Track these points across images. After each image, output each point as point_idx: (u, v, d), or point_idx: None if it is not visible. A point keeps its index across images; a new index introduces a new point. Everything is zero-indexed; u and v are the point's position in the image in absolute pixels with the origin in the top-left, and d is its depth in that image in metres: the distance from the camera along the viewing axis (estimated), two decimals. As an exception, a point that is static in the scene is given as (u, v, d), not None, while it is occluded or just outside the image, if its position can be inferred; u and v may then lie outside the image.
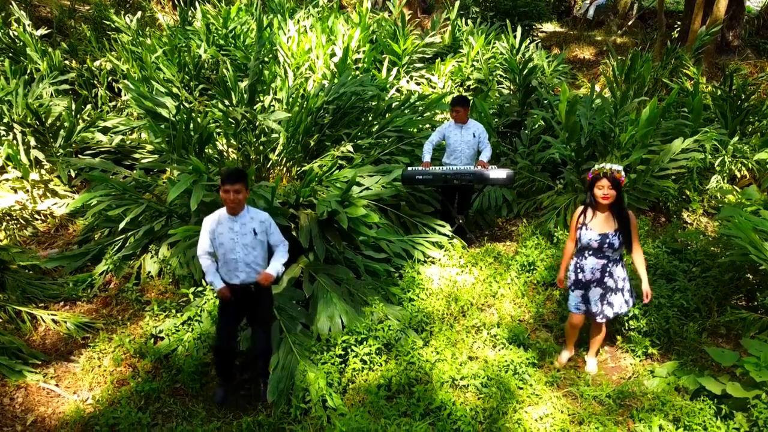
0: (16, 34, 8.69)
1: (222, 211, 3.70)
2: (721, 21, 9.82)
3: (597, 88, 9.30)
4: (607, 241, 3.78)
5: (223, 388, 4.01)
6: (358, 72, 8.57)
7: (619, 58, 8.89)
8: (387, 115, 6.77)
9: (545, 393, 3.91)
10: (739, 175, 6.60)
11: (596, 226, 3.81)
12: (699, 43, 8.87)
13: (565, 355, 4.34)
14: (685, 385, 3.84)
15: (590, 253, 3.88)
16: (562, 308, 4.85)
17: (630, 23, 15.80)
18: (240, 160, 6.21)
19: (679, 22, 13.94)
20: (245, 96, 6.58)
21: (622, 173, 3.79)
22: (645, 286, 3.92)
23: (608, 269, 3.88)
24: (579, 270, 3.96)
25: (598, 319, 4.03)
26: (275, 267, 3.72)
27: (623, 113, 6.65)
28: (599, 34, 15.54)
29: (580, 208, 3.93)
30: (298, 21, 9.96)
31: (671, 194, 6.19)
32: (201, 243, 3.74)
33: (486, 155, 5.86)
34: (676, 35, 12.88)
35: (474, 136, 5.87)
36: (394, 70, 9.29)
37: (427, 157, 5.84)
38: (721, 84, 7.92)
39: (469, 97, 9.13)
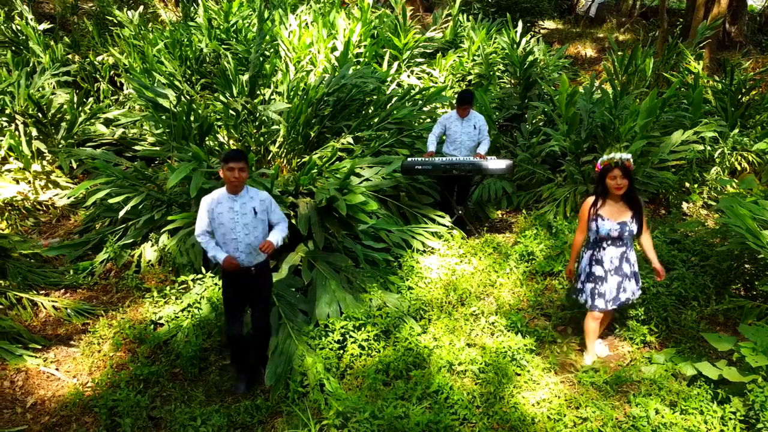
0: (18, 27, 8.74)
1: (221, 191, 3.65)
2: (722, 16, 9.81)
3: (597, 82, 9.28)
4: (627, 228, 3.73)
5: (245, 377, 3.94)
6: (358, 66, 8.59)
7: (620, 53, 8.88)
8: (387, 107, 6.78)
9: (542, 378, 3.91)
10: (739, 168, 6.60)
11: (612, 216, 3.75)
12: (700, 37, 8.86)
13: (589, 358, 4.19)
14: (682, 371, 3.84)
15: (609, 243, 3.80)
16: (560, 297, 4.87)
17: (632, 20, 15.78)
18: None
19: (681, 20, 13.93)
20: (246, 88, 6.60)
21: (631, 161, 3.76)
22: (657, 265, 3.89)
23: (626, 255, 3.84)
24: (594, 263, 3.88)
25: (610, 306, 3.94)
26: (275, 236, 3.68)
27: (623, 105, 6.66)
28: (601, 32, 15.53)
29: (591, 199, 3.83)
30: (300, 16, 9.99)
31: (671, 186, 6.20)
32: (200, 222, 3.67)
33: (484, 147, 5.89)
34: (678, 32, 12.88)
35: (475, 127, 5.89)
36: (395, 65, 9.31)
37: (431, 147, 5.87)
38: (722, 78, 7.91)
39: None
